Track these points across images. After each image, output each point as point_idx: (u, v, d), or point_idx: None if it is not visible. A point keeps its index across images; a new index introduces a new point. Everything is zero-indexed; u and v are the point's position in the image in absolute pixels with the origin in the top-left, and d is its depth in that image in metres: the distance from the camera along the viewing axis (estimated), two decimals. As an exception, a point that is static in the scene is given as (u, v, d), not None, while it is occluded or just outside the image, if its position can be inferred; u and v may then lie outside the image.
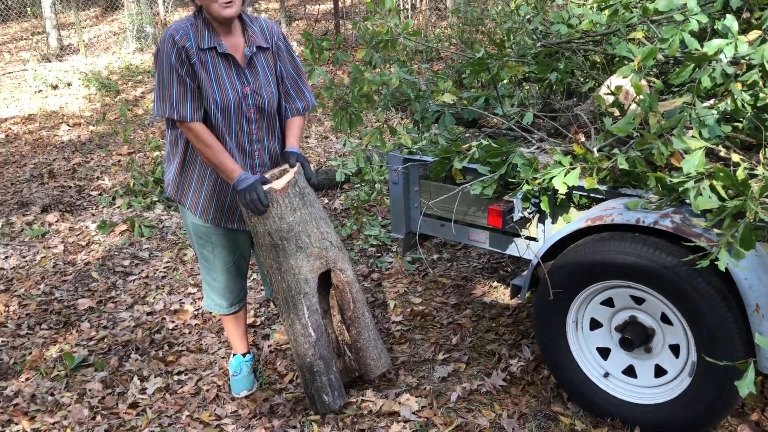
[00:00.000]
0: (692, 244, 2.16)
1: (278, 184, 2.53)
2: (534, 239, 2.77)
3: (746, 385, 1.91)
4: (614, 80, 2.85)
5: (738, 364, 2.00)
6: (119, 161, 6.69)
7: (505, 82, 3.58)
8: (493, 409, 2.77)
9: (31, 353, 3.40)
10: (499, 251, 2.89)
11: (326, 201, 5.42)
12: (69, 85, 10.06)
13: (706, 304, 2.19)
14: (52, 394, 3.05)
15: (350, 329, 2.75)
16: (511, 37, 3.71)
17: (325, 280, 2.74)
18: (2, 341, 3.55)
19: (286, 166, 2.65)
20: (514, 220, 2.67)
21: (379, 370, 2.78)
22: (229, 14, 2.48)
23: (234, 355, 3.04)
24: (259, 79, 2.63)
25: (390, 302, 3.74)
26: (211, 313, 3.70)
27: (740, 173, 2.14)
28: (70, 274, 4.34)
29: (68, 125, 8.19)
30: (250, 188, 2.49)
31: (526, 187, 2.56)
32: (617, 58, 2.96)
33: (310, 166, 2.71)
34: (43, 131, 7.98)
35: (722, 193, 2.16)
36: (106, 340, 3.52)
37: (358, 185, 5.36)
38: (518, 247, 2.81)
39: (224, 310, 2.94)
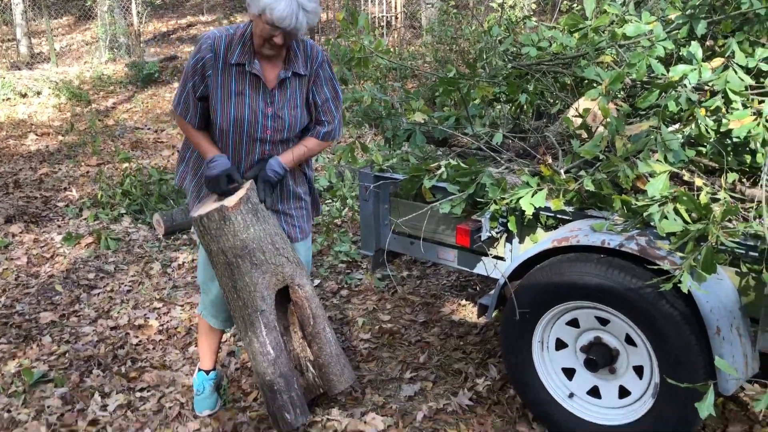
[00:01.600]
0: (656, 267, 2.19)
1: (230, 201, 2.51)
2: (501, 258, 2.78)
3: (706, 408, 1.93)
4: (582, 103, 2.89)
5: (699, 386, 2.02)
6: (87, 172, 6.59)
7: (476, 102, 3.61)
8: (459, 429, 2.76)
9: (-12, 368, 3.32)
10: (467, 270, 2.90)
11: (297, 216, 5.39)
12: (38, 93, 9.90)
13: (670, 327, 2.22)
14: (9, 411, 2.97)
15: (312, 345, 2.72)
16: (483, 57, 3.74)
17: (284, 297, 2.71)
18: (-41, 355, 3.46)
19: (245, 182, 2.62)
20: (482, 239, 2.68)
21: (342, 385, 2.75)
22: (269, 55, 2.49)
23: (198, 371, 2.99)
24: (286, 102, 2.59)
25: (359, 319, 3.72)
26: (176, 328, 3.65)
27: (703, 197, 2.18)
28: (33, 287, 4.25)
29: (36, 134, 8.06)
30: (216, 179, 2.54)
31: (494, 207, 2.58)
32: (586, 81, 3.00)
33: (272, 190, 2.66)
34: (10, 140, 7.84)
35: (686, 216, 2.19)
36: (67, 355, 3.45)
37: (330, 201, 5.35)
38: (486, 266, 2.81)
39: (215, 321, 2.89)
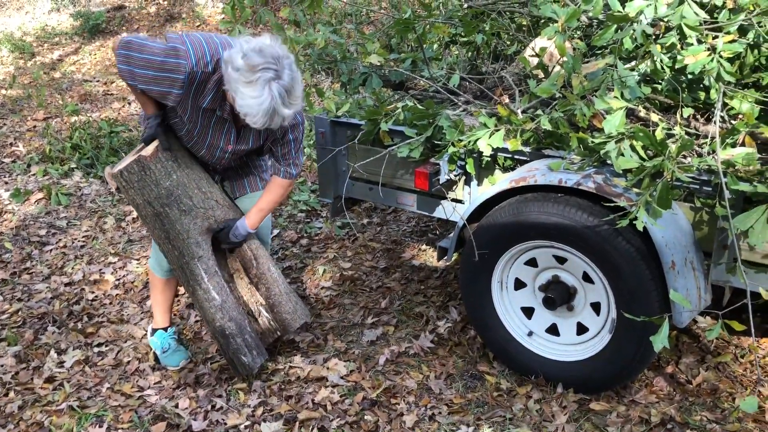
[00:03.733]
0: (613, 204, 2.20)
1: (147, 151, 2.45)
2: (460, 201, 2.77)
3: (660, 340, 1.97)
4: (539, 42, 2.85)
5: (654, 319, 2.05)
6: (34, 127, 6.35)
7: (434, 45, 3.54)
8: (421, 371, 2.78)
9: (-63, 329, 3.22)
10: (427, 214, 2.88)
11: (254, 167, 5.30)
12: (-22, 46, 9.45)
13: (626, 263, 2.24)
14: (-38, 371, 2.89)
15: (259, 287, 2.69)
16: (439, -1, 3.67)
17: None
18: None
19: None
20: (441, 182, 2.66)
21: (296, 323, 2.74)
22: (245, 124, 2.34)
23: (155, 331, 2.94)
24: (247, 142, 2.57)
25: (319, 268, 3.70)
26: (133, 282, 3.59)
27: (659, 133, 2.18)
28: (-19, 245, 4.11)
29: (-22, 89, 7.71)
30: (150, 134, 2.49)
31: (452, 150, 2.55)
32: (542, 21, 2.96)
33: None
34: (-51, 95, 7.49)
35: (642, 153, 2.19)
36: (20, 313, 3.36)
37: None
38: (445, 210, 2.80)
39: (162, 273, 2.84)
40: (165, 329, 2.94)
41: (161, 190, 2.48)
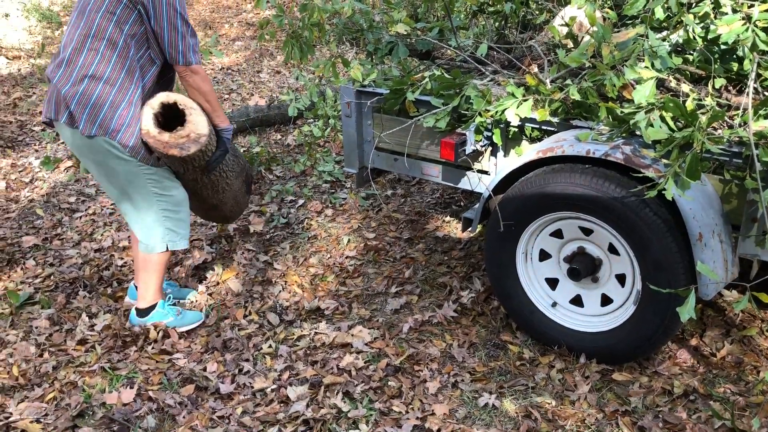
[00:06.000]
0: (641, 175, 2.19)
1: (198, 128, 2.66)
2: (486, 172, 2.77)
3: (687, 311, 1.97)
4: (568, 11, 2.81)
5: (680, 291, 2.05)
6: (62, 96, 6.41)
7: (461, 14, 3.52)
8: (444, 339, 2.81)
9: (-27, 291, 3.31)
10: (452, 185, 2.89)
11: (279, 137, 5.32)
12: (7, 16, 9.51)
13: (652, 234, 2.24)
14: (-3, 332, 2.98)
15: None
16: (467, -33, 3.62)
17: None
18: (-58, 280, 3.44)
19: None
20: (467, 153, 2.66)
21: None
22: None
23: (148, 310, 2.94)
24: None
25: (344, 237, 3.73)
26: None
27: (689, 104, 2.16)
28: (14, 212, 4.20)
29: (7, 58, 7.79)
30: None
31: (478, 120, 2.54)
32: (572, -11, 2.91)
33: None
34: (-21, 64, 7.58)
35: (671, 124, 2.17)
36: (52, 277, 3.44)
37: (312, 120, 5.27)
38: (470, 181, 2.80)
39: (186, 242, 2.91)
40: (164, 298, 3.01)
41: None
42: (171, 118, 2.68)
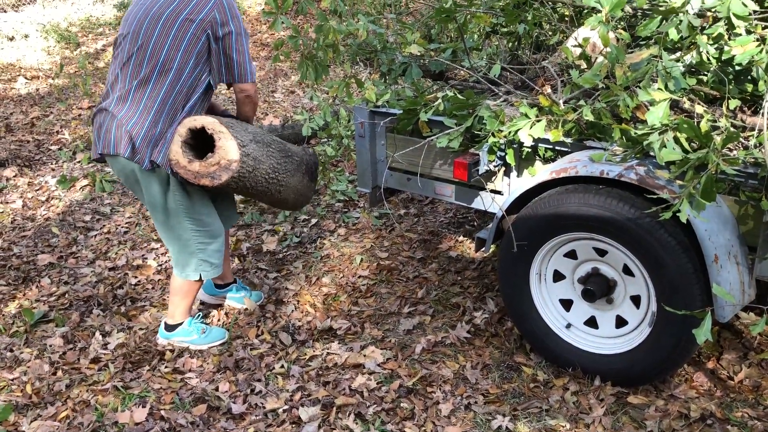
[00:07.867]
0: (655, 197, 2.17)
1: (227, 153, 2.60)
2: (499, 192, 2.77)
3: (703, 333, 1.95)
4: (582, 32, 2.82)
5: (696, 313, 2.03)
6: (79, 115, 6.50)
7: (474, 35, 3.53)
8: (457, 361, 2.79)
9: (-11, 309, 3.34)
10: (465, 205, 2.88)
11: (293, 156, 5.34)
12: (26, 36, 9.68)
13: (668, 255, 2.22)
14: (11, 350, 2.99)
15: None
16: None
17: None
18: (-41, 297, 3.47)
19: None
20: (480, 173, 2.66)
21: None
22: None
23: (174, 327, 2.98)
24: None
25: (357, 257, 3.73)
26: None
27: (704, 125, 2.15)
28: (30, 230, 4.24)
29: (26, 78, 7.91)
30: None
31: (492, 140, 2.54)
32: (585, 11, 2.93)
33: None
34: (-1, 84, 7.70)
35: (686, 145, 2.16)
36: (67, 295, 3.46)
37: (325, 140, 5.29)
38: (483, 201, 2.80)
39: (219, 270, 2.93)
40: (192, 317, 3.03)
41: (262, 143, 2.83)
42: (200, 141, 2.69)
